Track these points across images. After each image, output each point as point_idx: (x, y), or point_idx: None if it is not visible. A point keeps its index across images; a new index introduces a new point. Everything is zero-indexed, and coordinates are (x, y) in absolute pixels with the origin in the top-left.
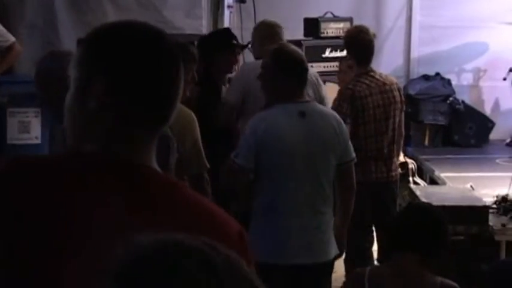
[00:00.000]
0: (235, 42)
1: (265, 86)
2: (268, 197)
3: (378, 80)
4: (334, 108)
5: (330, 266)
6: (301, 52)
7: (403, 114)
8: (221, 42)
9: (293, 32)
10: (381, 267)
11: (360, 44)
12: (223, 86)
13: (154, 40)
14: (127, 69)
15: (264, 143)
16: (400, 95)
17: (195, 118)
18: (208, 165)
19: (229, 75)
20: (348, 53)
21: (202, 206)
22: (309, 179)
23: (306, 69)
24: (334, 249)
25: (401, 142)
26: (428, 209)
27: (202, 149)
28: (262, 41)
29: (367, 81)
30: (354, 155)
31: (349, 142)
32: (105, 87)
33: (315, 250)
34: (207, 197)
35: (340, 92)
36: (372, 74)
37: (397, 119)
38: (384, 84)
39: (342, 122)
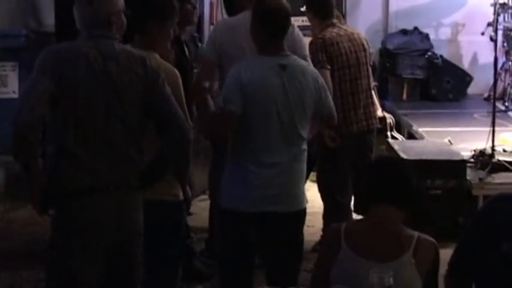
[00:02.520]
0: None
1: (252, 39)
2: (243, 145)
3: (345, 29)
4: (311, 58)
5: (302, 216)
6: (282, 3)
7: (370, 66)
8: None
9: None
10: (357, 222)
11: (321, 1)
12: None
13: None
14: None
15: (248, 92)
16: (368, 45)
17: (179, 75)
18: (192, 124)
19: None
20: (309, 11)
21: None
22: (285, 131)
23: (283, 21)
24: (304, 199)
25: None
26: (398, 161)
27: (185, 108)
28: None
29: (335, 30)
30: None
31: (328, 94)
32: None
33: (287, 198)
34: (189, 157)
35: (311, 44)
36: (338, 25)
37: (368, 67)
38: (352, 33)
39: (320, 76)
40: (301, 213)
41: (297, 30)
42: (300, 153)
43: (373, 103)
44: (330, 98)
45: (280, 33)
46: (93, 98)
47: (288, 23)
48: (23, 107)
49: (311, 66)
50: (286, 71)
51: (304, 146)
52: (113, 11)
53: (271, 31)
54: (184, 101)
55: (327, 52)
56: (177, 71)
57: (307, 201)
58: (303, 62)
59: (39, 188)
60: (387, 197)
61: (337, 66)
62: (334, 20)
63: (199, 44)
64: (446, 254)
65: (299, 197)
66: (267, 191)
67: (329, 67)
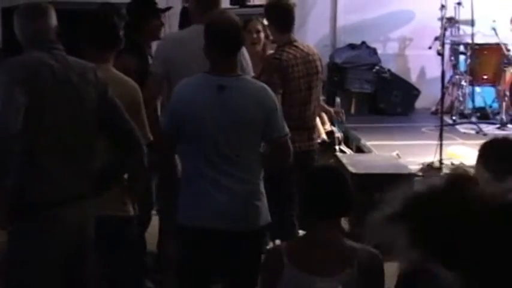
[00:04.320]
0: (157, 6)
1: (206, 57)
2: (189, 164)
3: (302, 50)
4: (265, 79)
5: (253, 235)
6: (234, 23)
7: (321, 84)
8: (145, 7)
9: None
10: (298, 240)
11: (281, 11)
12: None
13: None
14: None
15: (179, 113)
16: (321, 65)
17: (138, 89)
18: (151, 138)
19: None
20: (268, 21)
21: None
22: (223, 152)
23: (233, 41)
24: (257, 220)
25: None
26: (333, 172)
27: (145, 121)
28: (197, 6)
29: (292, 51)
30: (286, 130)
31: (280, 118)
32: None
33: (235, 218)
34: (143, 171)
35: (266, 62)
36: (295, 44)
37: (318, 89)
38: (308, 54)
39: (272, 97)
40: (253, 233)
41: (245, 51)
42: (247, 174)
43: (317, 125)
44: (281, 122)
45: (229, 53)
46: (60, 108)
47: (238, 43)
48: (4, 121)
49: (261, 89)
50: (225, 93)
51: (253, 168)
52: (55, 26)
53: (220, 51)
54: (144, 116)
55: (281, 75)
56: (137, 86)
57: (268, 220)
58: (252, 82)
59: (9, 199)
60: (325, 211)
61: (289, 90)
62: (293, 37)
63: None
64: (393, 267)
65: (250, 217)
66: (215, 209)
67: (281, 91)
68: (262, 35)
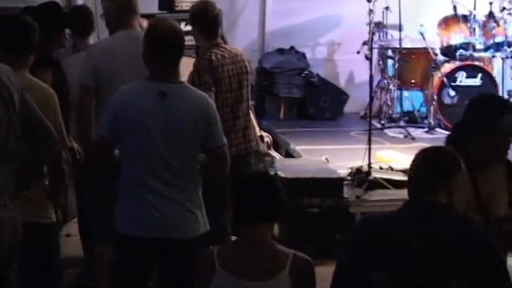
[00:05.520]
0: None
1: (144, 64)
2: (128, 171)
3: (229, 51)
4: (196, 80)
5: (193, 243)
6: (176, 29)
7: (250, 85)
8: (54, 17)
9: (147, 5)
10: (230, 245)
11: (207, 18)
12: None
13: None
14: None
15: (121, 118)
16: (250, 66)
17: (55, 95)
18: (69, 144)
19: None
20: (194, 27)
21: None
22: (165, 160)
23: (176, 48)
24: (196, 228)
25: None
26: (265, 176)
27: (63, 127)
28: (119, 12)
29: (220, 52)
30: (224, 140)
31: (219, 128)
32: None
33: (173, 227)
34: (64, 176)
35: (196, 64)
36: (222, 45)
37: (249, 89)
38: (236, 54)
39: (214, 107)
40: (193, 241)
41: None
42: (187, 183)
43: (252, 126)
44: (220, 132)
45: (170, 59)
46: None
47: (180, 49)
48: None
49: (203, 98)
50: (166, 99)
51: (193, 177)
52: None
53: (161, 57)
54: (61, 121)
55: (212, 74)
56: (53, 91)
57: (207, 228)
58: (194, 91)
59: None
60: (257, 215)
61: (221, 89)
62: (219, 40)
63: None
64: (324, 271)
65: (190, 226)
66: (153, 218)
67: (214, 90)
68: None
